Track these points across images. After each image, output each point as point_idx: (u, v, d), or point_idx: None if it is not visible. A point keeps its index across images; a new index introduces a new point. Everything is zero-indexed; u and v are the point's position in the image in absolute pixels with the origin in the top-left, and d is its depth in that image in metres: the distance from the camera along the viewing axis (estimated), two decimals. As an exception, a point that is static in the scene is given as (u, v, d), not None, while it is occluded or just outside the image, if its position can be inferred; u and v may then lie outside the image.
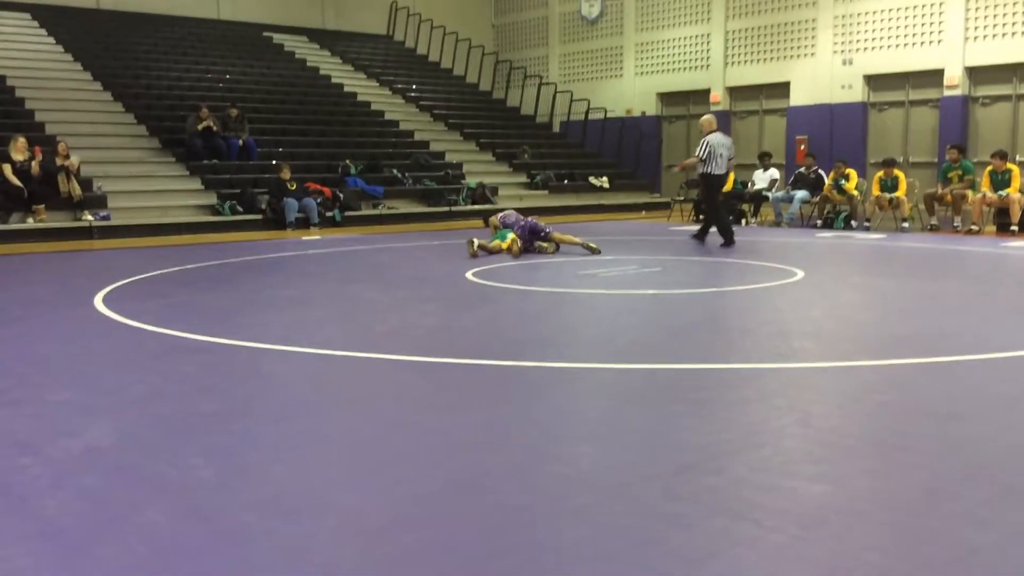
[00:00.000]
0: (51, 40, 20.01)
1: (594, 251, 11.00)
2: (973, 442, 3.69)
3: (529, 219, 11.66)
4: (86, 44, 19.98)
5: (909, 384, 4.70)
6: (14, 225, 13.35)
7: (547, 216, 16.68)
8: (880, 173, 14.84)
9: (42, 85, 17.61)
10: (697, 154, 12.05)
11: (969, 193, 13.98)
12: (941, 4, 18.10)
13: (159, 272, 9.59)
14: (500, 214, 11.92)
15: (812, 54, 20.14)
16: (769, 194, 16.25)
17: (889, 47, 18.91)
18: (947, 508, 2.98)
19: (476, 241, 10.99)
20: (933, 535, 2.79)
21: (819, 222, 15.14)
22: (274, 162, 16.71)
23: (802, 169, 16.19)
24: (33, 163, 13.77)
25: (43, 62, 18.83)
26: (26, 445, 3.75)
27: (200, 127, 16.51)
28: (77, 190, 13.85)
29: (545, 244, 11.27)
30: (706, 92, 22.27)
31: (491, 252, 11.03)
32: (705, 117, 12.52)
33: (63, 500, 3.14)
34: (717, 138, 12.04)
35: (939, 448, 3.62)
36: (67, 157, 13.93)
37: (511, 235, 11.21)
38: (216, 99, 18.36)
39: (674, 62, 22.97)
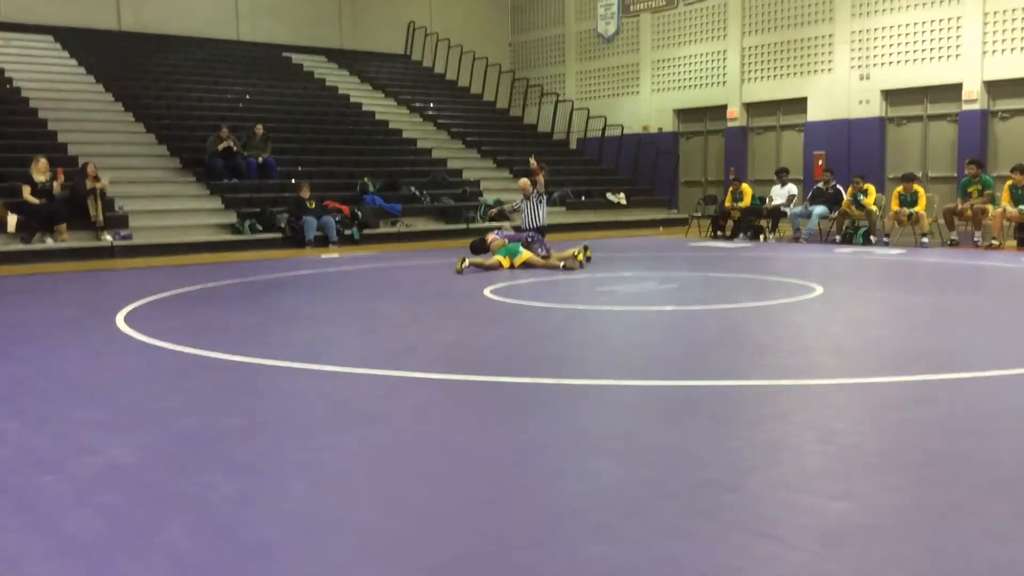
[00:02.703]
0: (73, 62, 20.27)
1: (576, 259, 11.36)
2: (994, 458, 3.66)
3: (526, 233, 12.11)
4: (107, 65, 20.22)
5: (929, 400, 4.66)
6: (36, 245, 13.50)
7: (565, 233, 16.77)
8: (900, 188, 14.76)
9: (64, 106, 17.84)
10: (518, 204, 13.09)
11: (989, 208, 13.89)
12: (959, 18, 18.06)
13: (180, 291, 9.67)
14: (491, 237, 11.91)
15: (829, 69, 20.13)
16: (787, 210, 16.22)
17: (907, 62, 18.88)
18: (969, 524, 2.96)
19: (467, 260, 11.03)
20: (955, 551, 2.77)
21: (838, 238, 15.07)
22: (293, 181, 16.83)
23: (820, 184, 16.15)
24: (55, 184, 13.91)
25: (65, 83, 19.09)
26: (49, 462, 3.78)
27: (220, 147, 16.65)
28: (100, 216, 13.95)
29: (576, 258, 11.29)
30: (723, 108, 22.30)
31: (488, 268, 11.03)
32: (524, 180, 13.17)
33: (85, 517, 3.16)
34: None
35: (960, 464, 3.60)
36: (97, 179, 14.04)
37: (523, 251, 11.26)
38: (236, 119, 18.53)
39: (691, 79, 23.00)
